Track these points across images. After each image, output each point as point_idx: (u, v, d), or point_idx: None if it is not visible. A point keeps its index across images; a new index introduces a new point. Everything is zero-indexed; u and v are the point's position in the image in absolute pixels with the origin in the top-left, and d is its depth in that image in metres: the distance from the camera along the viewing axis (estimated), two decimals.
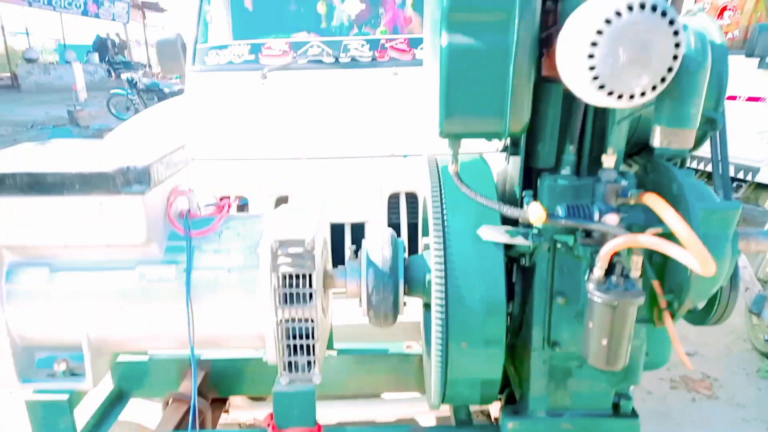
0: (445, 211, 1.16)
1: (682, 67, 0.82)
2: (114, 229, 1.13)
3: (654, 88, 0.78)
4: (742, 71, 4.03)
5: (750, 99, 4.06)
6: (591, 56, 0.76)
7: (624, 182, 1.04)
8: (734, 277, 1.17)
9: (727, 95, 3.65)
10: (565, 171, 1.12)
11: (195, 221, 1.28)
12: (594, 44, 0.75)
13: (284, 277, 1.18)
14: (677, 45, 0.76)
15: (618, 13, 0.74)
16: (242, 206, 1.82)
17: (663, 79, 0.78)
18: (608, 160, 1.03)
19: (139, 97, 12.09)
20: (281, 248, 1.18)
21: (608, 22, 0.74)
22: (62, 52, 16.45)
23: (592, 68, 0.77)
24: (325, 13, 3.23)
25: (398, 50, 3.13)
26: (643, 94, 0.78)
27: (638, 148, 1.28)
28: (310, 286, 1.19)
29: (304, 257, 1.18)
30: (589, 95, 0.81)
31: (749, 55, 3.79)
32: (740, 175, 4.28)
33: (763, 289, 2.94)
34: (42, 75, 15.33)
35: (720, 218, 1.01)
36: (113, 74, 16.97)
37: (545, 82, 1.06)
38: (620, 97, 0.79)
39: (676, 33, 0.75)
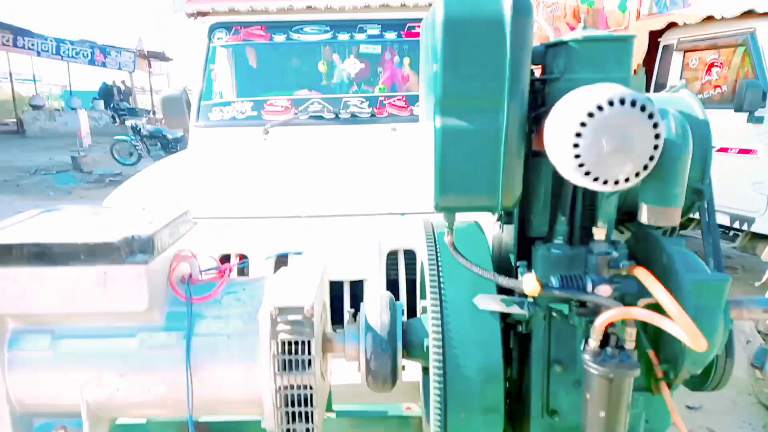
0: (441, 280, 1.19)
1: (665, 151, 0.87)
2: (117, 297, 1.15)
3: (637, 174, 0.83)
4: (732, 125, 4.14)
5: (742, 151, 4.15)
6: (576, 145, 0.80)
7: (615, 254, 1.06)
8: (729, 345, 1.18)
9: (718, 147, 3.74)
10: (558, 240, 1.15)
11: (196, 286, 1.31)
12: (578, 135, 0.80)
13: (283, 344, 1.19)
14: (657, 136, 0.80)
15: (600, 107, 0.78)
16: (242, 269, 1.83)
17: (645, 167, 0.82)
18: (599, 233, 1.06)
19: (143, 143, 12.29)
20: (281, 315, 1.19)
21: (591, 115, 0.79)
22: (68, 99, 16.82)
23: (577, 156, 0.81)
24: (326, 71, 3.36)
25: (396, 107, 3.23)
26: (627, 180, 0.83)
27: (629, 215, 1.31)
28: (309, 353, 1.20)
29: (304, 324, 1.20)
30: (576, 179, 0.85)
31: (738, 110, 3.91)
32: (736, 225, 4.32)
33: (765, 342, 2.92)
34: (47, 121, 15.63)
35: (710, 289, 1.04)
36: (117, 120, 17.30)
37: (536, 156, 1.11)
38: (605, 182, 0.83)
39: (655, 125, 0.80)
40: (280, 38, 3.29)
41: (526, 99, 1.00)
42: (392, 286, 1.93)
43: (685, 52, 4.65)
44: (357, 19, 3.30)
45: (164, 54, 19.77)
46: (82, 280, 1.13)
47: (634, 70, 1.19)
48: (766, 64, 3.98)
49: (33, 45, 14.72)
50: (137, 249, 1.14)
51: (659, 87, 4.89)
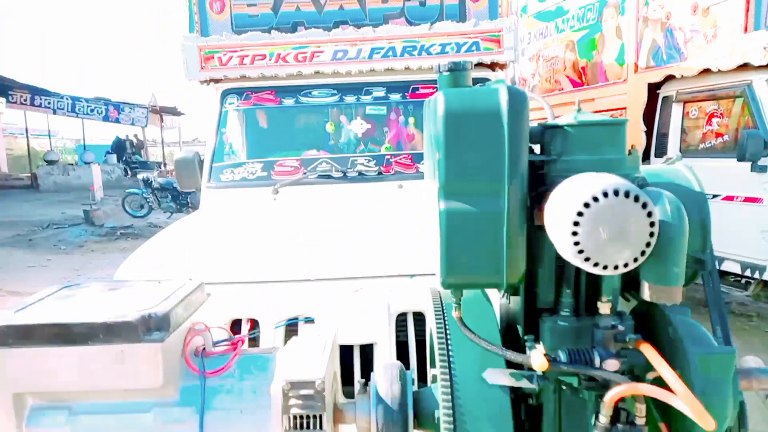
0: (451, 352, 1.21)
1: (662, 233, 0.90)
2: (133, 375, 1.18)
3: (635, 260, 0.86)
4: (736, 173, 4.19)
5: (748, 199, 4.18)
6: (575, 233, 0.84)
7: (621, 327, 1.08)
8: (742, 416, 1.18)
9: (724, 195, 3.77)
10: (565, 312, 1.17)
11: (209, 360, 1.33)
12: (576, 224, 0.84)
13: (295, 419, 1.20)
14: (652, 224, 0.84)
15: (595, 198, 0.83)
16: (253, 338, 1.85)
17: (643, 252, 0.86)
18: (604, 307, 1.09)
19: (154, 195, 12.51)
20: (292, 390, 1.21)
21: (587, 205, 0.83)
22: (82, 153, 17.27)
23: (576, 243, 0.85)
24: (333, 131, 3.46)
25: (402, 165, 3.31)
26: (626, 265, 0.86)
27: (634, 282, 1.33)
28: (321, 427, 1.21)
29: (315, 398, 1.21)
30: (576, 263, 0.89)
31: (741, 159, 3.96)
32: (747, 273, 4.29)
33: None
34: (61, 175, 15.99)
35: (718, 363, 1.05)
36: (129, 173, 17.67)
37: (539, 230, 1.14)
38: (605, 267, 0.86)
39: (649, 214, 0.84)
40: (289, 102, 3.42)
41: (525, 182, 1.05)
42: (402, 347, 1.94)
43: (685, 102, 4.75)
44: (363, 82, 3.43)
45: (176, 109, 20.39)
46: (100, 358, 1.16)
47: (629, 150, 1.24)
48: (765, 115, 4.06)
49: (49, 103, 15.27)
50: (153, 327, 1.17)
51: (660, 137, 4.99)
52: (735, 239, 4.28)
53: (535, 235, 1.15)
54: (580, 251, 0.85)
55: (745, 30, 3.96)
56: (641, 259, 0.87)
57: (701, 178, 4.30)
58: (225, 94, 3.41)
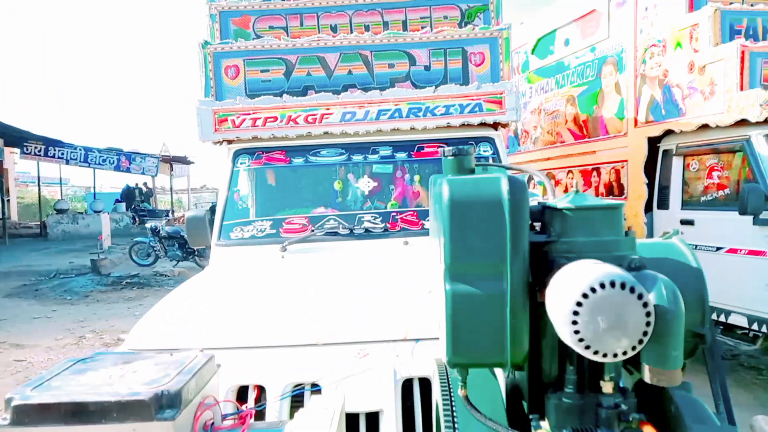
0: (457, 429, 1.22)
1: (659, 318, 0.94)
2: None
3: (634, 348, 0.89)
4: (738, 226, 4.22)
5: (751, 252, 4.19)
6: (575, 322, 0.88)
7: (624, 406, 1.10)
8: None
9: (728, 248, 3.78)
10: (569, 389, 1.19)
11: None
12: (576, 313, 0.88)
13: None
14: (648, 314, 0.88)
15: (593, 290, 0.87)
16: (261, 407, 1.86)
17: (641, 341, 0.89)
18: (606, 386, 1.11)
19: (161, 243, 12.59)
20: None
21: (585, 296, 0.87)
22: (91, 202, 17.54)
23: (576, 332, 0.88)
24: (341, 189, 3.55)
25: (408, 222, 3.37)
26: (624, 353, 0.89)
27: (636, 357, 1.35)
28: None
29: None
30: (578, 350, 0.92)
31: (742, 213, 4.00)
32: (755, 327, 4.26)
33: None
34: (70, 224, 16.19)
35: None
36: (137, 221, 17.87)
37: (543, 308, 1.18)
38: (605, 355, 0.89)
39: (645, 305, 0.88)
40: (298, 161, 3.52)
41: (527, 265, 1.09)
42: (408, 412, 1.94)
43: (685, 156, 4.84)
44: (370, 142, 3.54)
45: (186, 158, 20.82)
46: None
47: (626, 232, 1.28)
48: (764, 169, 4.13)
49: (63, 154, 15.66)
50: (166, 404, 1.20)
51: (662, 189, 5.05)
52: (740, 292, 4.27)
53: (539, 312, 1.19)
54: (581, 339, 0.88)
55: (741, 88, 4.08)
56: (639, 347, 0.90)
57: (704, 230, 4.39)
58: (237, 154, 3.52)
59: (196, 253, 11.84)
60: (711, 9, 4.26)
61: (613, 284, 0.87)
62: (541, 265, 1.16)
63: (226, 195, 3.45)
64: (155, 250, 12.49)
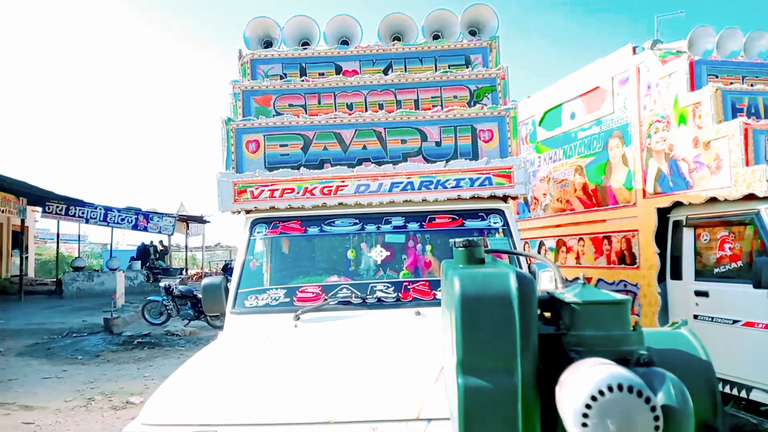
0: None
1: (668, 418, 0.97)
2: None
3: None
4: (753, 300, 4.19)
5: None
6: (584, 425, 0.91)
7: None
8: None
9: (744, 322, 3.74)
10: None
11: None
12: (585, 415, 0.91)
13: None
14: (656, 418, 0.91)
15: (601, 392, 0.91)
16: None
17: None
18: None
19: (174, 302, 12.62)
20: None
21: (594, 398, 0.91)
22: (107, 260, 17.79)
23: None
24: (354, 258, 3.62)
25: (420, 291, 3.41)
26: None
27: None
28: None
29: None
30: None
31: (757, 286, 3.98)
32: None
33: None
34: (85, 282, 16.36)
35: None
36: (152, 278, 17.98)
37: (554, 399, 1.21)
38: None
39: (653, 408, 0.91)
40: (313, 230, 3.62)
41: (536, 358, 1.14)
42: None
43: (695, 227, 4.87)
44: (383, 213, 3.64)
45: (202, 217, 21.22)
46: None
47: (633, 326, 1.30)
48: None
49: (83, 213, 16.08)
50: None
51: (674, 261, 5.05)
52: (761, 367, 4.18)
53: (551, 405, 1.21)
54: None
55: (747, 163, 4.16)
56: None
57: (719, 302, 4.36)
58: (254, 223, 3.63)
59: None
60: (712, 89, 4.43)
61: (620, 387, 0.91)
62: (552, 357, 1.20)
63: (242, 263, 3.53)
64: (167, 309, 12.50)
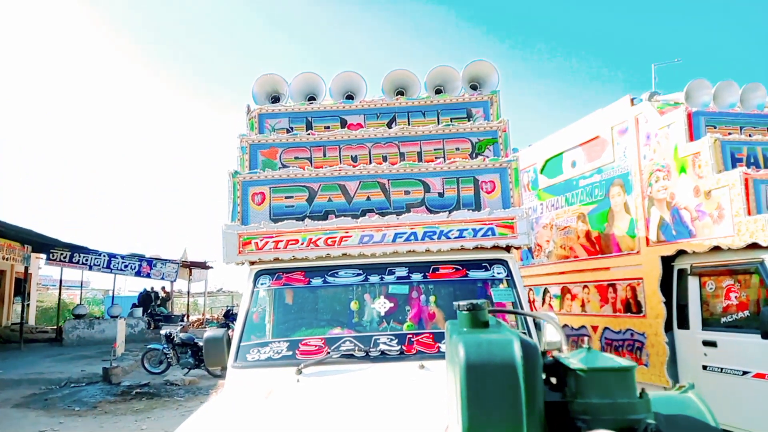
0: None
1: None
2: None
3: None
4: (763, 351, 4.12)
5: None
6: None
7: None
8: None
9: (755, 373, 3.66)
10: None
11: None
12: None
13: None
14: None
15: None
16: None
17: None
18: None
19: (174, 351, 12.43)
20: None
21: None
22: (109, 307, 17.68)
23: None
24: (357, 309, 3.60)
25: (424, 344, 3.37)
26: None
27: None
28: None
29: None
30: None
31: (765, 337, 3.92)
32: None
33: None
34: (86, 329, 16.19)
35: None
36: (153, 325, 17.78)
37: None
38: None
39: None
40: (317, 281, 3.62)
41: (542, 424, 1.13)
42: None
43: (700, 275, 4.84)
44: (386, 263, 3.65)
45: (205, 263, 21.18)
46: None
47: (640, 393, 1.29)
48: None
49: (87, 260, 16.09)
50: None
51: (681, 309, 5.00)
52: None
53: None
54: None
55: (749, 212, 4.18)
56: None
57: (728, 352, 4.30)
58: (258, 274, 3.63)
59: None
60: (711, 139, 4.50)
61: None
62: (559, 425, 1.18)
63: (245, 315, 3.51)
64: (168, 358, 12.30)
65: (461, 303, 1.35)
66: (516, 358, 1.10)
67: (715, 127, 4.93)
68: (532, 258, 7.34)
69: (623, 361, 1.21)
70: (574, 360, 1.22)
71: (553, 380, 1.30)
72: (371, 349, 3.29)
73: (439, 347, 3.34)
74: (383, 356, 3.28)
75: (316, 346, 3.37)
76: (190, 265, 20.39)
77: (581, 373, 1.17)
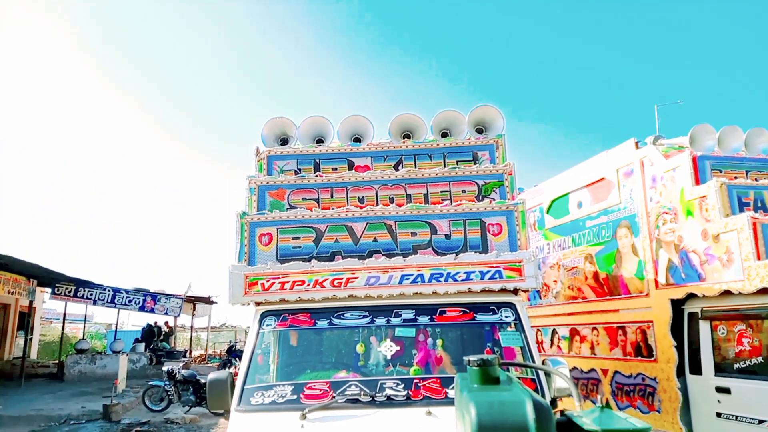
0: None
1: None
2: None
3: None
4: None
5: None
6: None
7: None
8: None
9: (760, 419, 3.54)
10: None
11: None
12: None
13: None
14: None
15: None
16: None
17: None
18: None
19: (175, 388, 12.24)
20: None
21: None
22: (111, 342, 17.53)
23: None
24: (363, 352, 3.56)
25: (430, 390, 3.31)
26: None
27: None
28: None
29: None
30: None
31: None
32: None
33: None
34: (87, 365, 16.01)
35: None
36: (155, 360, 17.57)
37: None
38: None
39: None
40: (323, 323, 3.59)
41: None
42: None
43: (712, 320, 4.77)
44: (393, 305, 3.62)
45: (209, 298, 21.07)
46: None
47: None
48: None
49: (91, 295, 16.04)
50: None
51: (692, 354, 4.90)
52: None
53: None
54: None
55: (758, 257, 4.15)
56: None
57: (743, 399, 4.20)
58: (263, 316, 3.61)
59: None
60: (717, 183, 4.51)
61: None
62: None
63: (249, 357, 3.48)
64: (169, 395, 12.11)
65: (471, 358, 1.33)
66: (529, 419, 1.08)
67: (720, 171, 4.95)
68: (540, 298, 7.27)
69: (638, 423, 1.18)
70: (587, 420, 1.19)
71: None
72: (377, 394, 3.24)
73: (446, 393, 3.28)
74: (389, 401, 3.22)
75: (321, 389, 3.31)
76: (194, 300, 20.29)
77: None
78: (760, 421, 4.20)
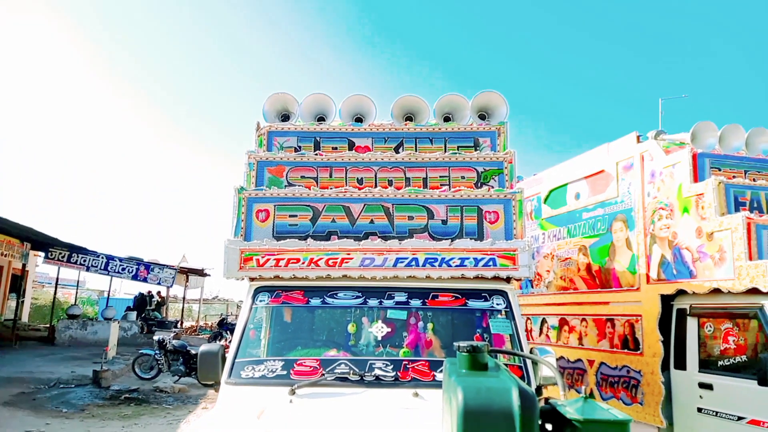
0: None
1: None
2: None
3: None
4: (760, 397, 4.09)
5: None
6: None
7: None
8: None
9: (750, 419, 3.63)
10: None
11: None
12: None
13: None
14: None
15: None
16: None
17: None
18: None
19: (166, 357, 12.35)
20: None
21: None
22: (103, 309, 17.62)
23: None
24: (354, 332, 3.59)
25: (419, 372, 3.35)
26: None
27: None
28: None
29: None
30: None
31: (762, 384, 3.90)
32: None
33: None
34: (78, 330, 16.11)
35: None
36: (146, 329, 17.70)
37: None
38: None
39: None
40: (316, 302, 3.62)
41: None
42: None
43: (699, 317, 4.83)
44: (386, 287, 3.65)
45: (203, 270, 21.17)
46: None
47: None
48: None
49: (84, 261, 16.09)
50: None
51: (678, 349, 4.97)
52: None
53: None
54: None
55: (750, 257, 4.18)
56: None
57: (724, 396, 4.27)
58: (257, 291, 3.64)
59: None
60: (715, 181, 4.52)
61: None
62: None
63: (242, 331, 3.51)
64: (159, 364, 12.22)
65: (461, 344, 1.35)
66: (514, 406, 1.10)
67: (719, 170, 4.96)
68: (532, 287, 7.33)
69: (619, 414, 1.21)
70: (570, 409, 1.22)
71: (549, 427, 1.30)
72: (366, 374, 3.28)
73: (434, 376, 3.32)
74: (378, 381, 3.26)
75: (311, 366, 3.35)
76: (187, 272, 20.37)
77: (577, 424, 1.17)
78: (740, 418, 4.28)
